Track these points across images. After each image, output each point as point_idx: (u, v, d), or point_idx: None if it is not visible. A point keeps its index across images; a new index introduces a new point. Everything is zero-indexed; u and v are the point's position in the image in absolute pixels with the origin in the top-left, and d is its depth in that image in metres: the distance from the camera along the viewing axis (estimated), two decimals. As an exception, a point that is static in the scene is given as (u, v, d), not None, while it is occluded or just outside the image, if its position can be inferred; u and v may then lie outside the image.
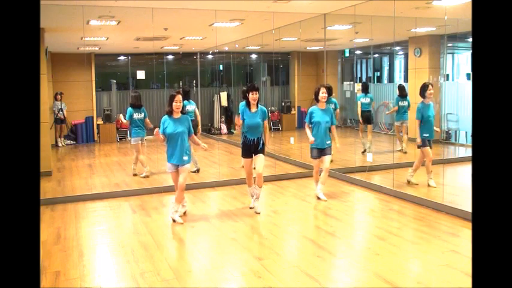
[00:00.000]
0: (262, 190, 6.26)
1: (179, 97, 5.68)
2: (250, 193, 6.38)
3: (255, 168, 6.15)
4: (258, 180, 6.08)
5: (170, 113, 5.71)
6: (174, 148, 5.66)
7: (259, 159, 6.05)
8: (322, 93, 6.53)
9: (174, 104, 5.65)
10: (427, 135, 7.06)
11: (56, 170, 9.59)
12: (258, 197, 6.22)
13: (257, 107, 6.09)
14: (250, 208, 6.29)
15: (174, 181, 5.86)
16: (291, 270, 4.28)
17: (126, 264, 4.52)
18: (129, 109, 8.61)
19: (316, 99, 6.63)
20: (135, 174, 8.86)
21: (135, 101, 8.60)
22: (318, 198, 6.70)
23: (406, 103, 9.88)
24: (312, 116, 6.60)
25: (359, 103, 10.21)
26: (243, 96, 10.24)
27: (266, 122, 6.14)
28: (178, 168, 5.72)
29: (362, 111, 10.16)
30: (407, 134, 10.15)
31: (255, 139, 6.02)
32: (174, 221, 5.85)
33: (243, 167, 6.66)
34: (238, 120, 6.18)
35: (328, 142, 6.64)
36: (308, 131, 6.63)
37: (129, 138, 8.78)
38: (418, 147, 7.16)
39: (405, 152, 10.01)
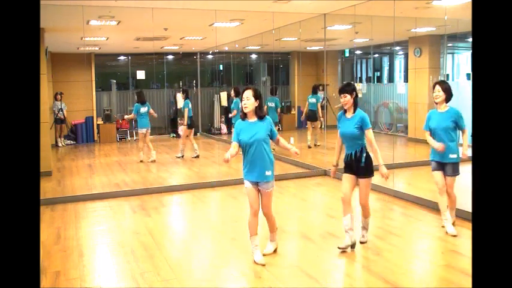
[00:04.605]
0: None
1: (248, 92, 4.32)
2: (345, 227, 4.74)
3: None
4: (363, 211, 4.92)
5: (245, 115, 4.39)
6: (250, 161, 4.32)
7: (362, 185, 4.72)
8: (434, 92, 5.10)
9: (241, 103, 4.40)
10: None
11: (56, 170, 9.59)
12: (367, 226, 5.01)
13: (354, 111, 4.66)
14: (340, 249, 4.70)
15: (251, 201, 4.42)
16: (291, 270, 4.28)
17: (126, 264, 4.52)
18: (136, 104, 10.17)
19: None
20: (141, 161, 10.25)
21: (139, 97, 10.19)
22: (442, 226, 5.26)
23: None
24: (429, 121, 5.21)
25: (307, 103, 11.33)
26: (235, 94, 10.60)
27: (369, 131, 4.59)
28: (258, 186, 4.40)
29: (309, 110, 11.23)
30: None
31: (353, 154, 4.64)
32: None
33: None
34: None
35: (452, 156, 5.04)
36: (429, 137, 5.20)
37: (137, 129, 10.48)
38: None
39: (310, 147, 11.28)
